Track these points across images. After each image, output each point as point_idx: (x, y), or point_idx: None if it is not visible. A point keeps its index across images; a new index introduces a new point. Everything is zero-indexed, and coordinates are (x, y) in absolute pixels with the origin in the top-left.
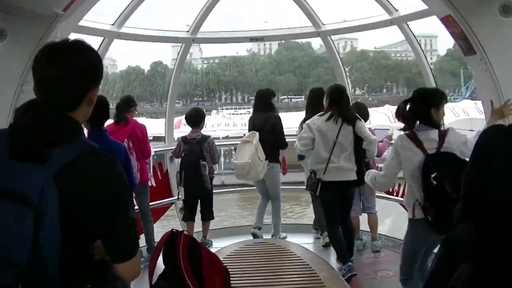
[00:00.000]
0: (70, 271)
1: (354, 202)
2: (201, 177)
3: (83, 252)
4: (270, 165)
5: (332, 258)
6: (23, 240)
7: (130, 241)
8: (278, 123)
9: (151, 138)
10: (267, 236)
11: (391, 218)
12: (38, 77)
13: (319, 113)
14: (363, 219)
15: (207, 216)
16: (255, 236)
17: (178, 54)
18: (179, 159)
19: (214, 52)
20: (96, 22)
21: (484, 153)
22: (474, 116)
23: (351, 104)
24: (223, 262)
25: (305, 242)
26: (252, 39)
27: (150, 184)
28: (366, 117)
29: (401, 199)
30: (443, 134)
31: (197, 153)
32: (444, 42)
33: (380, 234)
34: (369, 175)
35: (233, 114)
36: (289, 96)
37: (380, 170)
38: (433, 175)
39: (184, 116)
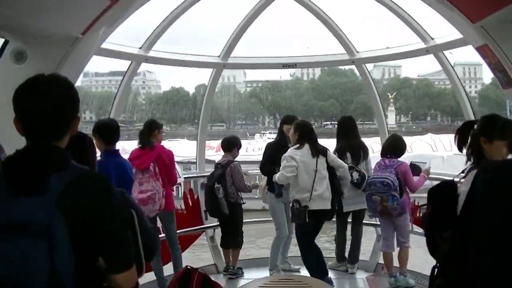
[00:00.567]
0: None
1: (388, 238)
2: (216, 200)
3: (92, 270)
4: (269, 192)
5: None
6: (41, 268)
7: (124, 252)
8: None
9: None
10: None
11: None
12: (27, 111)
13: (294, 147)
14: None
15: (228, 242)
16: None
17: (209, 79)
18: None
19: (258, 75)
20: (123, 45)
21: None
22: None
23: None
24: None
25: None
26: (285, 66)
27: (180, 211)
28: (403, 150)
29: None
30: None
31: (216, 176)
32: (489, 70)
33: (415, 271)
34: None
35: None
36: (332, 122)
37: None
38: None
39: None
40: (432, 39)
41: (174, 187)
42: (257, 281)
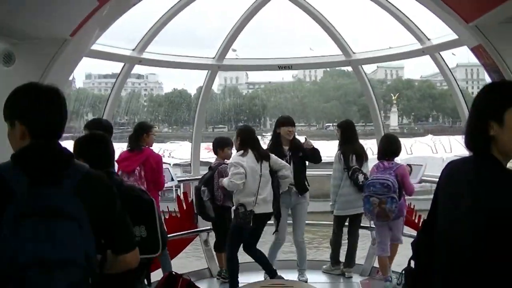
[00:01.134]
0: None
1: (384, 241)
2: (202, 203)
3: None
4: None
5: None
6: (80, 246)
7: (131, 235)
8: None
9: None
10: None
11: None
12: (40, 117)
13: (238, 153)
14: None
15: (221, 246)
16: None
17: (204, 81)
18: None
19: (260, 77)
20: (116, 47)
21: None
22: None
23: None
24: None
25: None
26: (280, 67)
27: (174, 214)
28: (399, 150)
29: None
30: None
31: (204, 179)
32: None
33: None
34: None
35: None
36: (334, 124)
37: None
38: None
39: None
40: (428, 39)
41: (174, 189)
42: (248, 286)
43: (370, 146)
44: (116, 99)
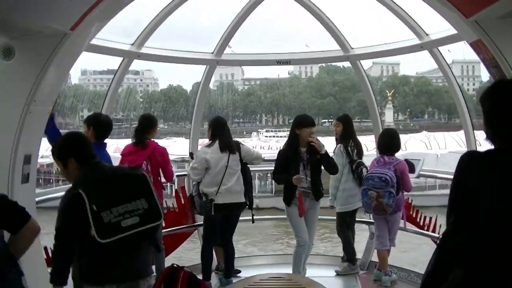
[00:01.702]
0: None
1: (383, 235)
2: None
3: None
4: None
5: None
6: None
7: (17, 213)
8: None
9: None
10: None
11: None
12: None
13: (206, 144)
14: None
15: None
16: None
17: (202, 76)
18: None
19: (256, 73)
20: (115, 42)
21: (461, 179)
22: None
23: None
24: None
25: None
26: (279, 62)
27: (172, 209)
28: (399, 146)
29: (433, 234)
30: None
31: None
32: None
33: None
34: None
35: (273, 136)
36: (329, 120)
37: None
38: None
39: None
40: (427, 35)
41: (169, 185)
42: (246, 279)
43: (365, 143)
44: (114, 94)
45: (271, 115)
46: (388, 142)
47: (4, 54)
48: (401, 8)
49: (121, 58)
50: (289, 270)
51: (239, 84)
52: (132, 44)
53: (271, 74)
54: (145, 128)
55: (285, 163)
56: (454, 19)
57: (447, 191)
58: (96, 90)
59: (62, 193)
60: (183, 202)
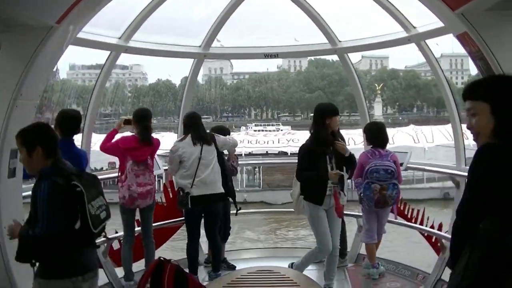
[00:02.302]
0: None
1: (371, 228)
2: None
3: None
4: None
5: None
6: None
7: None
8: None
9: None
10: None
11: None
12: None
13: (179, 139)
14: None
15: None
16: None
17: (190, 70)
18: None
19: (245, 67)
20: (102, 35)
21: (480, 170)
22: None
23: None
24: None
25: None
26: (267, 56)
27: (161, 203)
28: (388, 138)
29: (420, 226)
30: None
31: None
32: None
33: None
34: None
35: (261, 130)
36: None
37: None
38: None
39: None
40: (414, 28)
41: (156, 179)
42: (234, 272)
43: (352, 136)
44: (101, 88)
45: (260, 109)
46: (381, 135)
47: None
48: (388, 1)
49: (108, 52)
50: (278, 263)
51: (228, 78)
52: (120, 38)
53: (260, 68)
54: (148, 123)
55: (314, 159)
56: (440, 11)
57: (435, 184)
58: (84, 85)
59: None
60: (171, 196)
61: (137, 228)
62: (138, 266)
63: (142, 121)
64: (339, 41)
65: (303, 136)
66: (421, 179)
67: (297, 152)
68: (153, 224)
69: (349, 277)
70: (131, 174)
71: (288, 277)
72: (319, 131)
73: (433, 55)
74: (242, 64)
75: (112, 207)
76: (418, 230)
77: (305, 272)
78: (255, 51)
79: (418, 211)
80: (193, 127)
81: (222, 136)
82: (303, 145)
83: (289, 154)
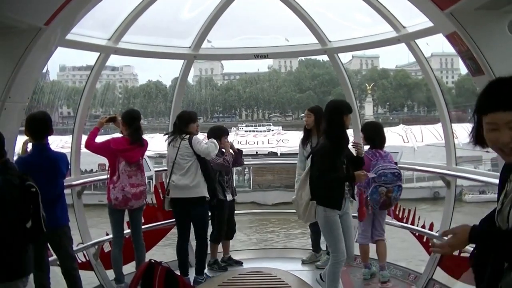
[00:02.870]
0: None
1: (367, 230)
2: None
3: None
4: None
5: None
6: None
7: None
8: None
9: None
10: None
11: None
12: None
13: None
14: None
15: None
16: None
17: (180, 71)
18: None
19: (235, 68)
20: (92, 37)
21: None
22: None
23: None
24: None
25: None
26: (257, 56)
27: (151, 204)
28: (382, 140)
29: (412, 226)
30: None
31: None
32: None
33: (388, 262)
34: None
35: (252, 131)
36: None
37: None
38: None
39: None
40: (404, 27)
41: (146, 181)
42: (226, 274)
43: None
44: (91, 90)
45: (251, 110)
46: (380, 136)
47: None
48: (378, 1)
49: (98, 54)
50: (269, 264)
51: (219, 79)
52: (109, 39)
53: (251, 69)
54: (139, 124)
55: (335, 159)
56: (430, 11)
57: (425, 184)
58: (75, 86)
59: None
60: (162, 197)
61: (127, 231)
62: (129, 268)
63: (133, 122)
64: (329, 41)
65: (293, 136)
66: (411, 179)
67: (297, 152)
68: (145, 226)
69: (341, 278)
70: (124, 175)
71: (279, 278)
72: (339, 130)
73: (423, 55)
74: (233, 64)
75: (101, 208)
76: (409, 230)
77: (297, 273)
78: (245, 52)
79: (410, 210)
80: (174, 130)
81: (199, 139)
82: (322, 144)
83: (279, 154)
